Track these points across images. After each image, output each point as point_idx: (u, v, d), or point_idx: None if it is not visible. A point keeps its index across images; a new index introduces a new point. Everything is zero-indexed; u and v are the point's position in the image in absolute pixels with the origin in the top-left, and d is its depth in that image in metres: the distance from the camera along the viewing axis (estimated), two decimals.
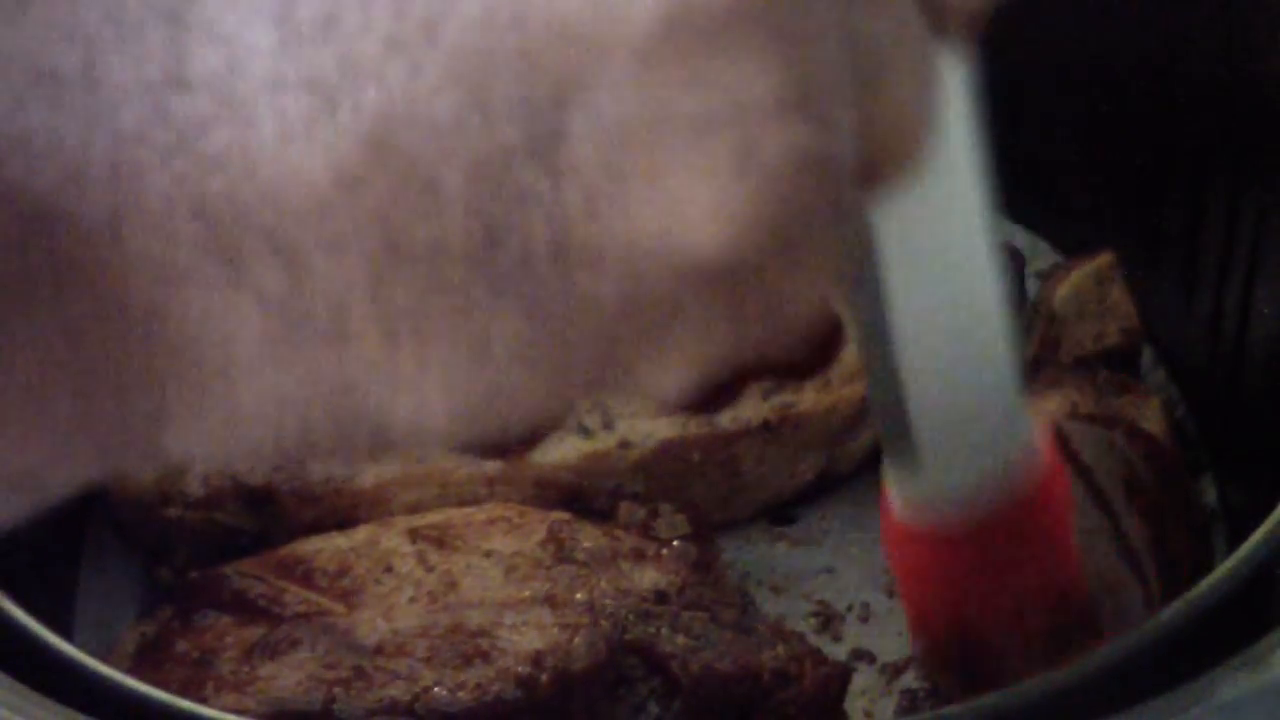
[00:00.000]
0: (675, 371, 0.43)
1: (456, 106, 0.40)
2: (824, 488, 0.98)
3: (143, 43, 0.40)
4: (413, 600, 0.83)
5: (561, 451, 0.91)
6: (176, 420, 0.41)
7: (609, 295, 0.41)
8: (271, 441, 0.42)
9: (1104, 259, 0.97)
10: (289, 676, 0.80)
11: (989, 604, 0.67)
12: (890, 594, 0.95)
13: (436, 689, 0.79)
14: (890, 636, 0.93)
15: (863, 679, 0.91)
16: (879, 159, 0.44)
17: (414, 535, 0.86)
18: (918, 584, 0.67)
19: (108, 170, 0.39)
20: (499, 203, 0.40)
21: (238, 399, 0.41)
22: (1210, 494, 0.96)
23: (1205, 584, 0.71)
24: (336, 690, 0.79)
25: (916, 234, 0.53)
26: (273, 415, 0.42)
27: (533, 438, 0.45)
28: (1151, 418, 0.93)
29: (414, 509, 0.90)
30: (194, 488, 0.90)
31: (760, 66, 0.40)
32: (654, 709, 0.82)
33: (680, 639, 0.82)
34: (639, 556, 0.85)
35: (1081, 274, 0.96)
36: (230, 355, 0.41)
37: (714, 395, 0.47)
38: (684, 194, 0.40)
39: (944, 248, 0.58)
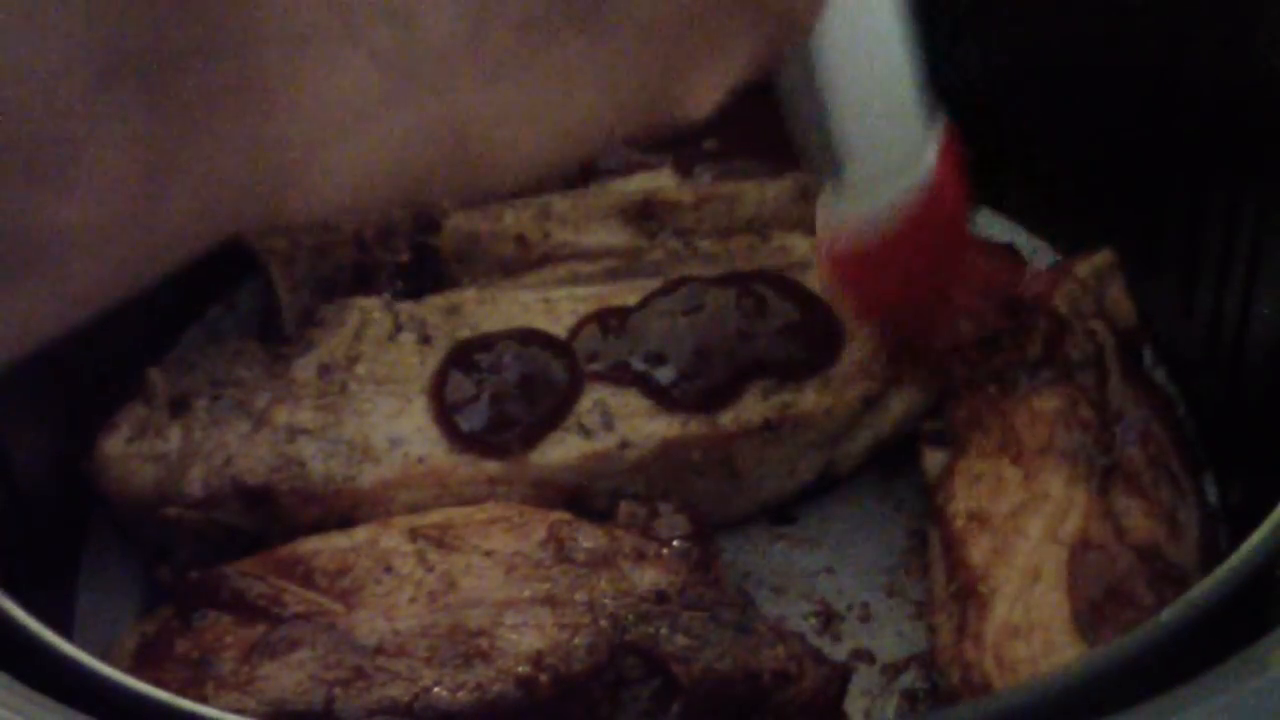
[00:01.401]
0: (709, 87, 0.52)
1: None
2: (824, 488, 0.98)
3: None
4: (413, 600, 0.83)
5: (562, 451, 0.91)
6: (303, 175, 0.46)
7: (662, 13, 0.49)
8: (387, 187, 0.48)
9: (1104, 257, 0.97)
10: (289, 676, 0.80)
11: (908, 283, 0.85)
12: (890, 594, 0.95)
13: (436, 689, 0.79)
14: (890, 636, 0.93)
15: (863, 679, 0.91)
16: None
17: (414, 535, 0.86)
18: (855, 288, 0.86)
19: None
20: None
21: (357, 150, 0.46)
22: (1210, 494, 0.96)
23: (1205, 584, 0.71)
24: (336, 690, 0.79)
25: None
26: (388, 163, 0.47)
27: (592, 169, 0.57)
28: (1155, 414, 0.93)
29: (414, 509, 0.90)
30: (194, 488, 0.90)
31: None
32: (654, 709, 0.82)
33: (680, 639, 0.82)
34: (639, 556, 0.85)
35: (1082, 272, 0.96)
36: (350, 109, 0.46)
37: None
38: None
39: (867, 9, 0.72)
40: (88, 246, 0.44)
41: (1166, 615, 0.70)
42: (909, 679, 0.92)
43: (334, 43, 0.44)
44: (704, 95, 0.52)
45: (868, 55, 0.73)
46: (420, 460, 0.91)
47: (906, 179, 0.79)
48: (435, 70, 0.46)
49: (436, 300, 0.97)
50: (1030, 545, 0.86)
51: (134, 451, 0.92)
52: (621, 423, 0.92)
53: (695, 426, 0.93)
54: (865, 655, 0.93)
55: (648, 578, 0.85)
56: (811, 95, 0.73)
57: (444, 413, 0.91)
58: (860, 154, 0.76)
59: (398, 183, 0.48)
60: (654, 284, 0.96)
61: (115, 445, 0.92)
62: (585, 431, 0.92)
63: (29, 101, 0.41)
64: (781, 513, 0.98)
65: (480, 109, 0.47)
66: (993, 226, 1.10)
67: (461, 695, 0.79)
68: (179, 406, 0.93)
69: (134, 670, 0.80)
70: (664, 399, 0.91)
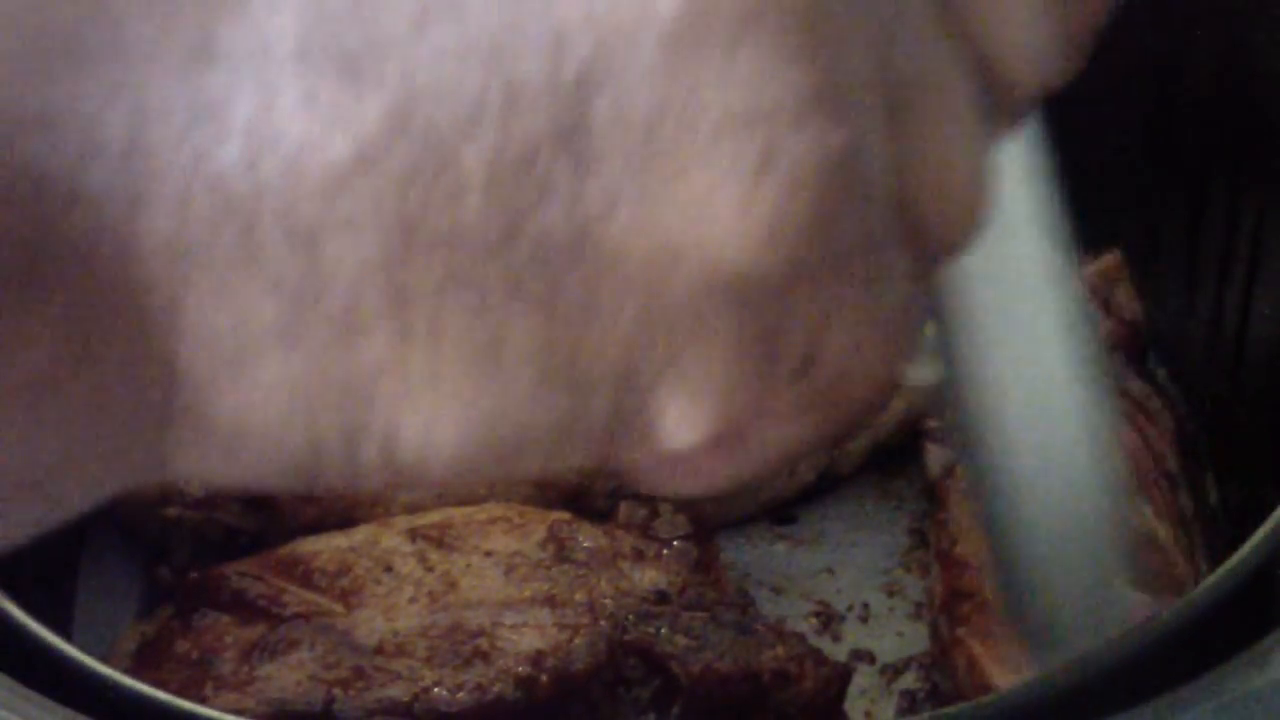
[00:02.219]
0: (695, 407, 0.40)
1: (481, 87, 0.38)
2: (824, 488, 0.98)
3: (170, 15, 0.38)
4: (412, 600, 0.83)
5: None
6: (184, 423, 0.39)
7: (629, 301, 0.39)
8: (277, 452, 0.40)
9: (1110, 259, 0.97)
10: (289, 676, 0.80)
11: None
12: (890, 594, 0.95)
13: (436, 689, 0.79)
14: (890, 636, 0.93)
15: (863, 679, 0.91)
16: (928, 216, 0.42)
17: (414, 535, 0.86)
18: None
19: (127, 144, 0.37)
20: (519, 191, 0.38)
21: (246, 394, 0.39)
22: (1210, 494, 0.96)
23: (1205, 584, 0.71)
24: (336, 690, 0.79)
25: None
26: (281, 416, 0.40)
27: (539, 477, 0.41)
28: (1157, 415, 0.93)
29: (414, 509, 0.90)
30: (194, 488, 0.90)
31: (788, 63, 0.38)
32: (654, 709, 0.82)
33: (680, 639, 0.82)
34: (639, 556, 0.85)
35: (1088, 273, 0.96)
36: (241, 344, 0.39)
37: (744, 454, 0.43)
38: (707, 193, 0.38)
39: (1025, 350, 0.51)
40: None
41: (1167, 615, 0.70)
42: (909, 679, 0.91)
43: (228, 265, 0.38)
44: (683, 414, 0.40)
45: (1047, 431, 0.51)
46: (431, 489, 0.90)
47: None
48: (341, 313, 0.38)
49: None
50: None
51: None
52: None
53: None
54: (865, 655, 0.93)
55: (648, 578, 0.85)
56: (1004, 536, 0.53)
57: None
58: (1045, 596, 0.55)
59: (283, 448, 0.40)
60: None
61: None
62: None
63: None
64: (781, 513, 0.98)
65: (389, 371, 0.39)
66: None
67: (461, 695, 0.79)
68: None
69: (134, 670, 0.80)
70: None
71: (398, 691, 0.79)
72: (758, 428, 0.42)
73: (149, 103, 0.38)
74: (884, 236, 0.41)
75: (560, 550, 0.85)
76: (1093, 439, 0.52)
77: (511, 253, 0.38)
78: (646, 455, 0.41)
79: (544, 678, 0.80)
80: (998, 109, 0.45)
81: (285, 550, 0.87)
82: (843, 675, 0.85)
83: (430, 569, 0.84)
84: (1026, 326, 0.49)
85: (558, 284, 0.39)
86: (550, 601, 0.83)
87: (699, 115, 0.38)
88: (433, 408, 0.39)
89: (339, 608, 0.83)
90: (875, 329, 0.41)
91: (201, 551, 0.90)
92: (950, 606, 0.88)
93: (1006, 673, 0.84)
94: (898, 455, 0.98)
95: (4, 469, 0.39)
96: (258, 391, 0.39)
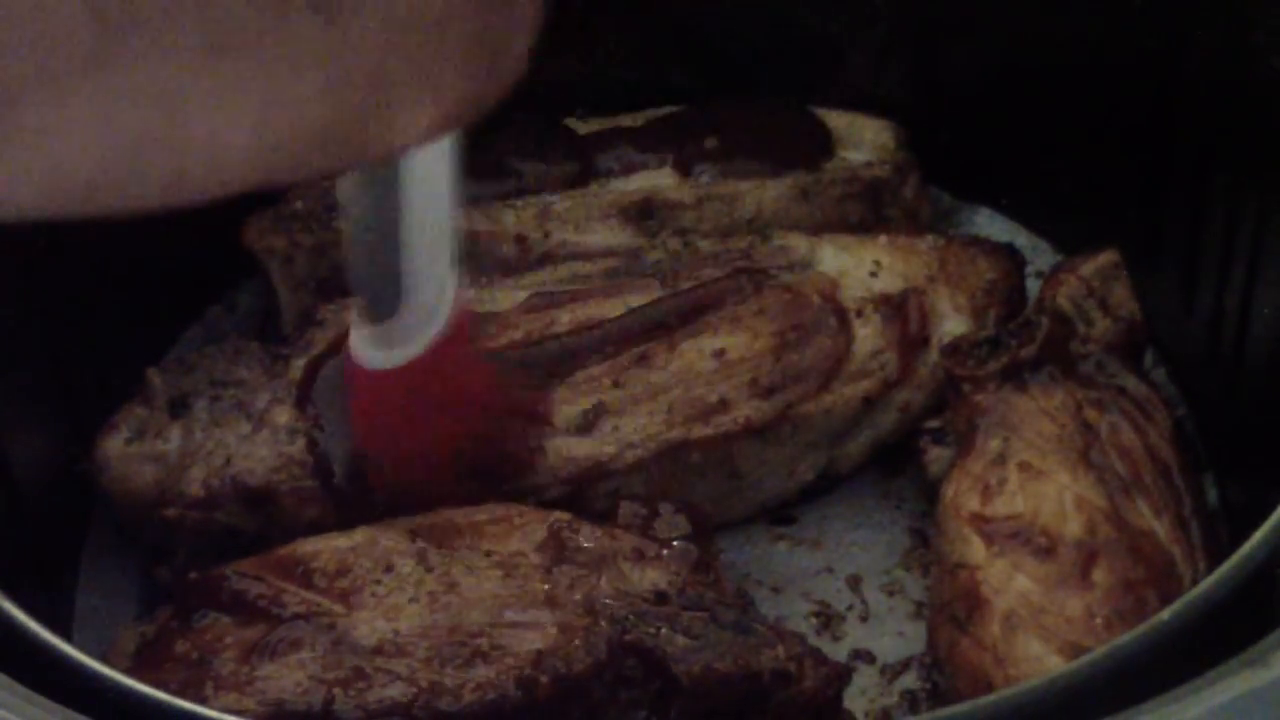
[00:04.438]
0: (421, 113, 0.49)
1: None
2: (824, 488, 0.98)
3: None
4: (412, 600, 0.83)
5: (563, 451, 0.92)
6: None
7: (399, 15, 0.46)
8: (88, 161, 0.43)
9: (1108, 257, 0.97)
10: (289, 677, 0.80)
11: (409, 427, 0.88)
12: (890, 594, 0.95)
13: (436, 689, 0.79)
14: (890, 636, 0.93)
15: (863, 679, 0.91)
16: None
17: (414, 535, 0.86)
18: (367, 412, 0.89)
19: None
20: None
21: (54, 112, 0.42)
22: (1210, 494, 0.96)
23: (1205, 584, 0.71)
24: (336, 690, 0.79)
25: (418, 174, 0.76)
26: (92, 130, 0.43)
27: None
28: (1155, 414, 0.93)
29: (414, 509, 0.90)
30: (194, 488, 0.90)
31: None
32: (654, 710, 0.82)
33: (680, 639, 0.82)
34: (639, 556, 0.85)
35: (1086, 272, 0.96)
36: (57, 62, 0.41)
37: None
38: None
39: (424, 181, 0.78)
40: None
41: (1167, 615, 0.70)
42: (909, 679, 0.92)
43: None
44: (415, 121, 0.49)
45: (437, 203, 0.79)
46: None
47: (438, 326, 0.84)
48: (154, 30, 0.42)
49: None
50: (1031, 545, 0.86)
51: (134, 452, 0.92)
52: (622, 423, 0.92)
53: (695, 428, 0.93)
54: (865, 655, 0.93)
55: (648, 578, 0.85)
56: (389, 231, 0.79)
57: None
58: (416, 294, 0.82)
59: (99, 156, 0.43)
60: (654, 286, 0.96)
61: (115, 445, 0.92)
62: (584, 430, 0.92)
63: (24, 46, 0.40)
64: (781, 513, 0.98)
65: (197, 82, 0.43)
66: (993, 226, 1.10)
67: (461, 695, 0.79)
68: (179, 407, 0.93)
69: (134, 670, 0.80)
70: None
71: (398, 691, 0.79)
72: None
73: None
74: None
75: (560, 550, 0.85)
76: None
77: None
78: (392, 149, 0.50)
79: (544, 678, 0.80)
80: None
81: (285, 550, 0.87)
82: (843, 675, 0.85)
83: (430, 569, 0.84)
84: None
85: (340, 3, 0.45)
86: (550, 601, 0.83)
87: None
88: (232, 115, 0.45)
89: (339, 608, 0.83)
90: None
91: (201, 551, 0.90)
92: (950, 606, 0.88)
93: (1006, 673, 0.84)
94: (898, 455, 0.98)
95: None
96: (66, 109, 0.42)
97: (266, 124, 0.45)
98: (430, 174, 0.78)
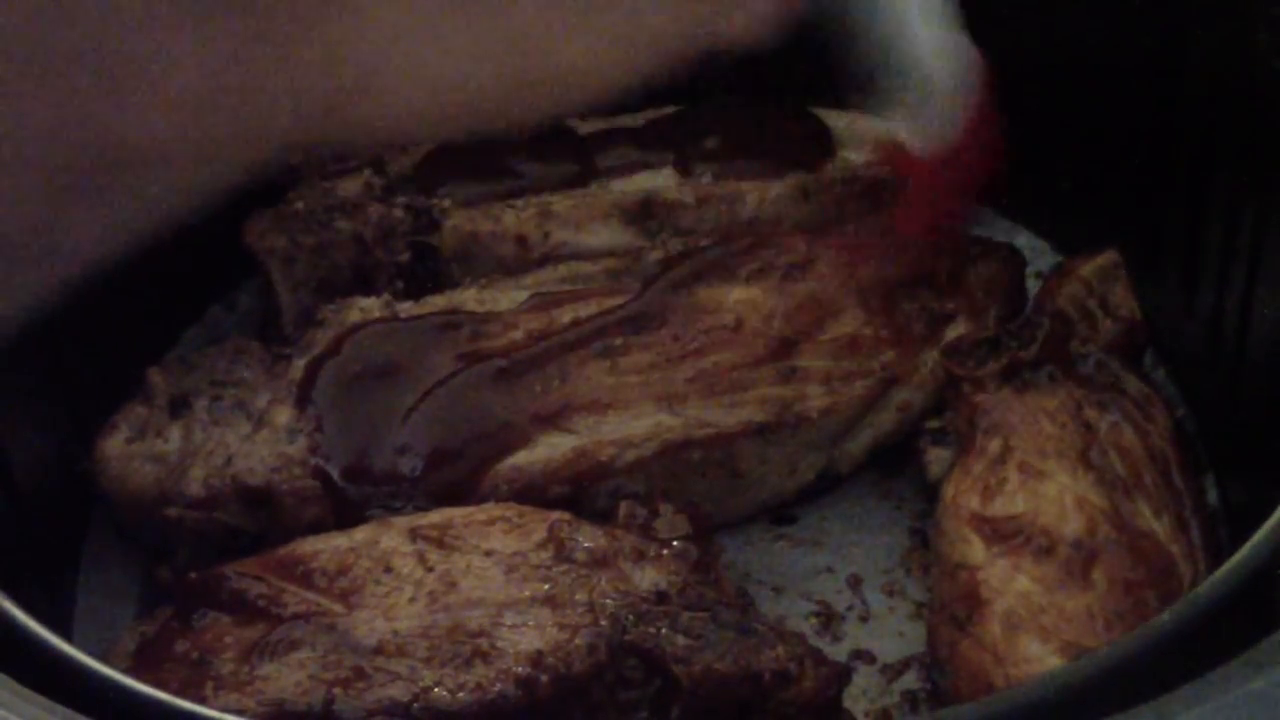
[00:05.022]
0: (758, 10, 0.55)
1: None
2: (824, 488, 0.98)
3: None
4: (413, 600, 0.83)
5: (561, 451, 0.92)
6: (368, 90, 0.48)
7: None
8: (450, 106, 0.49)
9: (1108, 257, 0.97)
10: (289, 676, 0.80)
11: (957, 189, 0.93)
12: (890, 594, 0.95)
13: (436, 689, 0.79)
14: (890, 636, 0.93)
15: (863, 679, 0.91)
16: None
17: (414, 535, 0.86)
18: (927, 199, 0.93)
19: None
20: None
21: (419, 65, 0.48)
22: (1210, 494, 0.96)
23: (1205, 584, 0.71)
24: (336, 690, 0.79)
25: None
26: (450, 79, 0.48)
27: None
28: (1155, 414, 0.93)
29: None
30: (194, 488, 0.90)
31: None
32: (654, 710, 0.82)
33: (680, 639, 0.82)
34: (639, 556, 0.85)
35: (1086, 272, 0.96)
36: (411, 24, 0.47)
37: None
38: None
39: None
40: (161, 158, 0.45)
41: (1167, 615, 0.70)
42: (909, 679, 0.91)
43: None
44: (752, 17, 0.55)
45: None
46: None
47: (962, 97, 0.89)
48: None
49: (437, 300, 0.97)
50: (1031, 545, 0.86)
51: (134, 451, 0.92)
52: (622, 423, 0.92)
53: (696, 428, 0.93)
54: (865, 655, 0.93)
55: (648, 578, 0.85)
56: (889, 22, 0.85)
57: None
58: (928, 72, 0.87)
59: (460, 101, 0.49)
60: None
61: (115, 445, 0.92)
62: (577, 432, 0.92)
63: (103, 14, 0.42)
64: (781, 513, 0.98)
65: (539, 26, 0.48)
66: (993, 226, 1.10)
67: (461, 695, 0.79)
68: (179, 406, 0.93)
69: (134, 670, 0.80)
70: None
71: (398, 691, 0.79)
72: None
73: None
74: None
75: (560, 550, 0.85)
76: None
77: None
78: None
79: (544, 678, 0.80)
80: None
81: (285, 550, 0.87)
82: (843, 675, 0.85)
83: (430, 569, 0.84)
84: None
85: None
86: (550, 601, 0.83)
87: None
88: (575, 43, 0.51)
89: (339, 608, 0.83)
90: None
91: (201, 551, 0.90)
92: (950, 607, 0.88)
93: (1006, 673, 0.84)
94: (898, 455, 0.98)
95: None
96: (432, 62, 0.49)
97: (610, 50, 0.51)
98: None
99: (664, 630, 0.82)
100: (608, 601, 0.83)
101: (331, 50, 0.45)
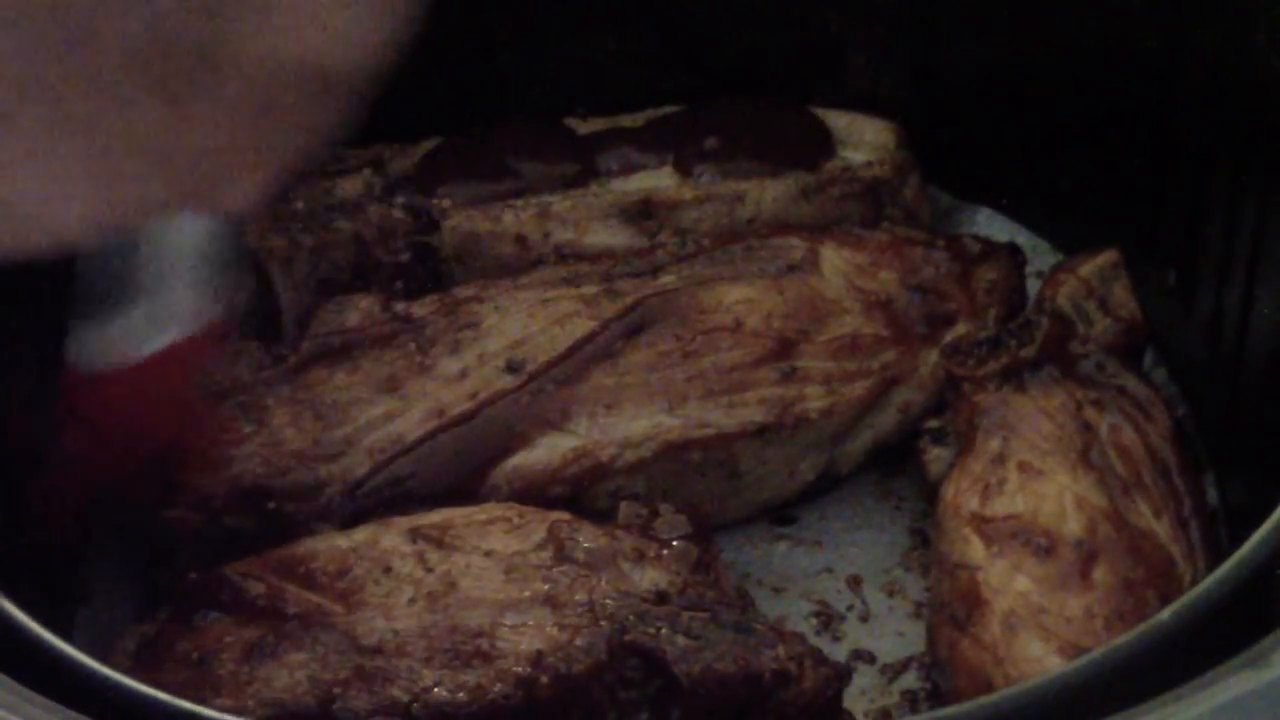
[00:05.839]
0: (262, 176, 0.52)
1: None
2: (824, 488, 0.98)
3: None
4: (412, 600, 0.83)
5: (561, 451, 0.92)
6: None
7: (240, 93, 0.49)
8: None
9: (1108, 257, 0.97)
10: (289, 676, 0.80)
11: (127, 435, 0.85)
12: (890, 594, 0.95)
13: (436, 689, 0.79)
14: (890, 636, 0.93)
15: (863, 679, 0.91)
16: None
17: (414, 535, 0.86)
18: (83, 421, 0.85)
19: None
20: (168, 6, 0.46)
21: None
22: (1210, 494, 0.96)
23: (1205, 584, 0.71)
24: (336, 690, 0.79)
25: None
26: None
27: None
28: (1155, 414, 0.93)
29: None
30: (194, 488, 0.90)
31: None
32: (654, 710, 0.82)
33: (680, 639, 0.82)
34: (639, 556, 0.85)
35: (1086, 272, 0.96)
36: None
37: None
38: (324, 16, 0.48)
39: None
40: None
41: (1167, 615, 0.70)
42: (909, 679, 0.91)
43: None
44: (249, 186, 0.52)
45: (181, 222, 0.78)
46: None
47: (153, 339, 0.82)
48: None
49: (436, 300, 0.97)
50: (1031, 545, 0.86)
51: None
52: (621, 423, 0.92)
53: (696, 428, 0.93)
54: (865, 655, 0.93)
55: (648, 578, 0.85)
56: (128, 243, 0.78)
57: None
58: (144, 299, 0.80)
59: None
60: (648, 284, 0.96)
61: None
62: (579, 433, 0.92)
63: None
64: (781, 513, 0.98)
65: (31, 157, 0.46)
66: (993, 226, 1.10)
67: (461, 695, 0.79)
68: None
69: (134, 670, 0.80)
70: None
71: (398, 691, 0.79)
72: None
73: None
74: None
75: (560, 550, 0.85)
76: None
77: (149, 58, 0.46)
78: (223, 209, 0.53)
79: (544, 678, 0.80)
80: None
81: (285, 550, 0.87)
82: (843, 675, 0.85)
83: (430, 569, 0.84)
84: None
85: (186, 83, 0.47)
86: (550, 601, 0.83)
87: None
88: (66, 187, 0.47)
89: (339, 608, 0.83)
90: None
91: (201, 551, 0.90)
92: (950, 607, 0.88)
93: (1006, 672, 0.84)
94: (898, 455, 0.98)
95: None
96: None
97: (99, 195, 0.48)
98: None
99: (664, 630, 0.82)
100: (608, 601, 0.83)
101: None
